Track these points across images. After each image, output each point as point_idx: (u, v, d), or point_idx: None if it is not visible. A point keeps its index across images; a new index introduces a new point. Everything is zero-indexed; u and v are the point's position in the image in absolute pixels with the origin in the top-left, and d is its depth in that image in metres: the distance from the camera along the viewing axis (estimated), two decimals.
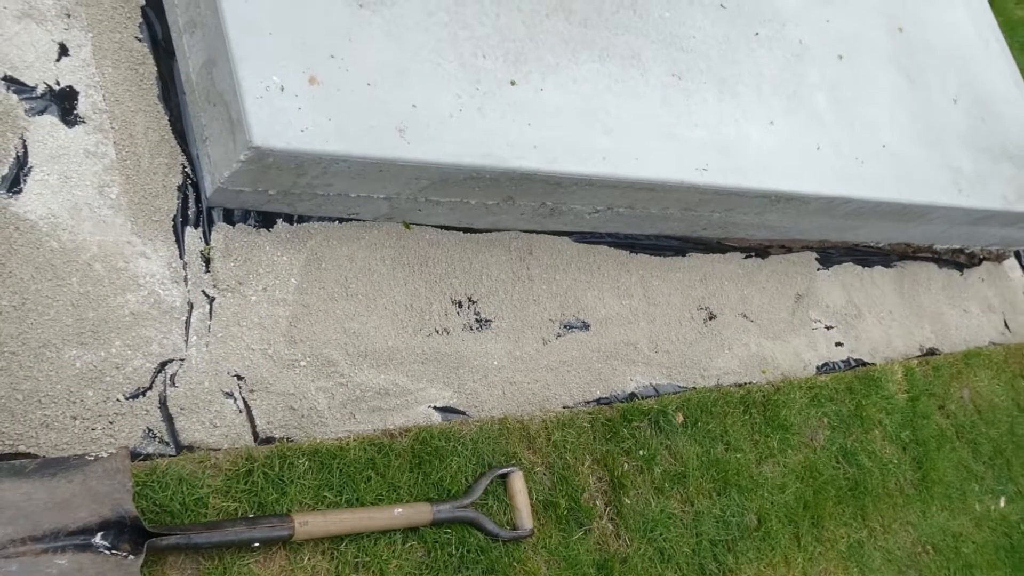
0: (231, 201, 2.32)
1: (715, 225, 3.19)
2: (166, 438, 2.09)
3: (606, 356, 2.90)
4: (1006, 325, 4.41)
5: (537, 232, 2.90)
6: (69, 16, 2.28)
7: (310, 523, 2.10)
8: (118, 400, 2.05)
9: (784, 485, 3.10)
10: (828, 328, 3.59)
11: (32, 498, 1.82)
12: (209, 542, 1.98)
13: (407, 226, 2.64)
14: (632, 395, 2.90)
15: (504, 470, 2.50)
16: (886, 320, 3.84)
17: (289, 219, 2.43)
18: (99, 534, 1.85)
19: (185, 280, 2.23)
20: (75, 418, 1.99)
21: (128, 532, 1.87)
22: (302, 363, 2.32)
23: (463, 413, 2.56)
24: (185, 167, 2.32)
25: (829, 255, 3.74)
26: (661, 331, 3.07)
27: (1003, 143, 3.93)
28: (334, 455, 2.27)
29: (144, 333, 2.13)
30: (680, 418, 2.94)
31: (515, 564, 2.43)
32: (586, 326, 2.90)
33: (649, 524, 2.71)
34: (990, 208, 3.72)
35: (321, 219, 2.48)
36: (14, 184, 2.08)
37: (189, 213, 2.29)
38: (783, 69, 3.28)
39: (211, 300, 2.25)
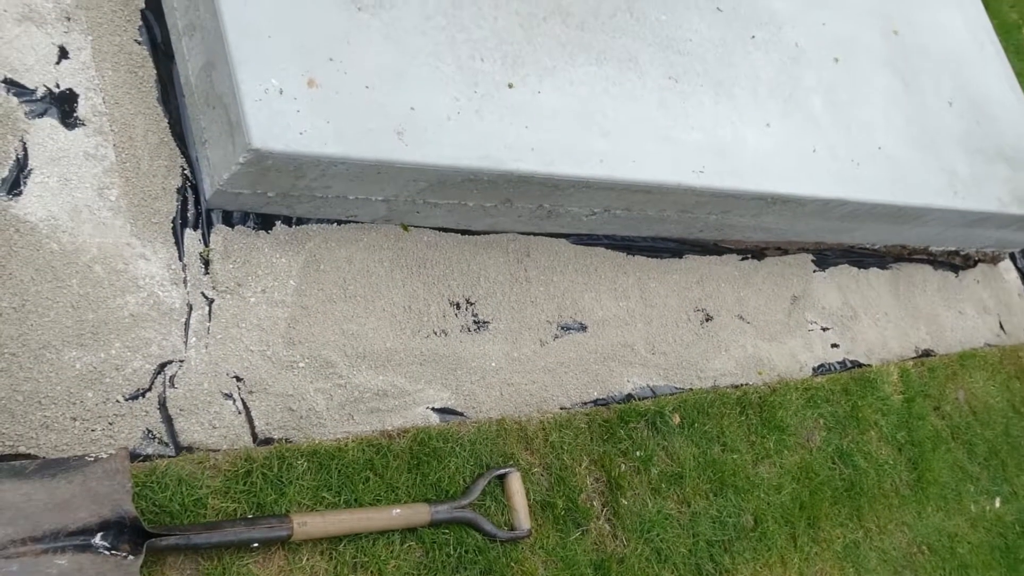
0: (230, 203, 2.33)
1: (711, 227, 3.20)
2: (165, 439, 2.10)
3: (603, 357, 2.91)
4: (1001, 327, 4.43)
5: (535, 234, 2.91)
6: (69, 19, 2.29)
7: (309, 523, 2.11)
8: (118, 401, 2.06)
9: (780, 486, 3.11)
10: (824, 330, 3.61)
11: (32, 499, 1.83)
12: (208, 542, 1.99)
13: (405, 228, 2.65)
14: (629, 396, 2.92)
15: (502, 471, 2.51)
16: (882, 322, 3.85)
17: (288, 221, 2.44)
18: (99, 534, 1.86)
19: (184, 282, 2.24)
20: (75, 419, 2.00)
21: (128, 532, 1.88)
22: (301, 364, 2.33)
23: (461, 414, 2.57)
24: (184, 169, 2.33)
25: (825, 257, 3.75)
26: (658, 332, 3.08)
27: (998, 145, 3.95)
28: (333, 456, 2.28)
29: (143, 335, 2.14)
30: (677, 419, 2.95)
31: (513, 564, 2.44)
32: (583, 328, 2.91)
33: (646, 524, 2.72)
34: (985, 210, 3.73)
35: (320, 221, 2.49)
36: (14, 186, 2.09)
37: (188, 215, 2.30)
38: (779, 72, 3.29)
39: (210, 302, 2.26)
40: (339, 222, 2.53)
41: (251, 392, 2.24)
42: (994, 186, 3.80)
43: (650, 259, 3.18)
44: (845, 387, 3.52)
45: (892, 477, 3.49)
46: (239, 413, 2.22)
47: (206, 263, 2.29)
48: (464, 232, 2.76)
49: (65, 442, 1.97)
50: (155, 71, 2.36)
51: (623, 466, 2.77)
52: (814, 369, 3.49)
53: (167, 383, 2.13)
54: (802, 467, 3.21)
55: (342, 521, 2.19)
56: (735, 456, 3.03)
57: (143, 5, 2.41)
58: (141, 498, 1.99)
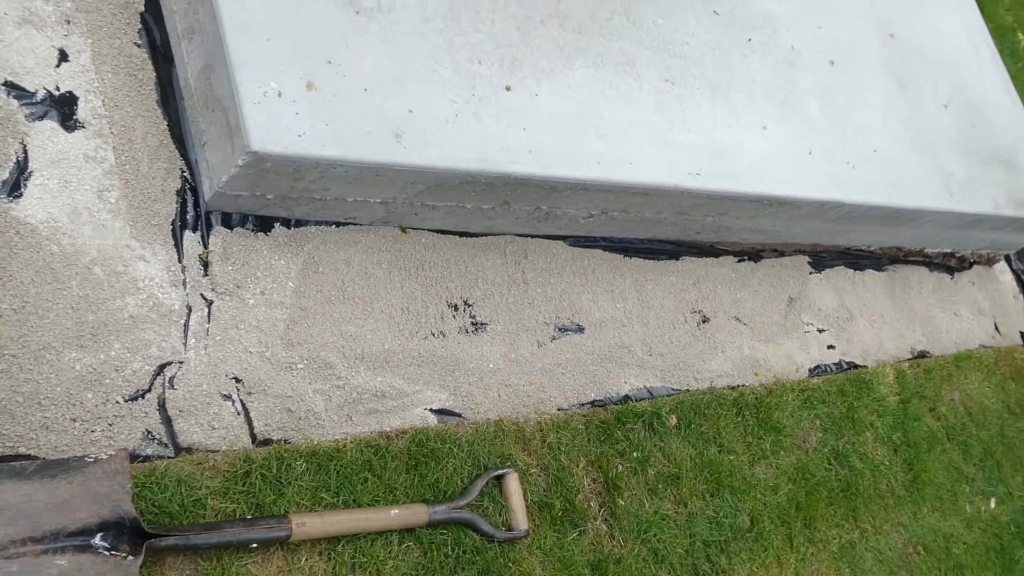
0: (229, 205, 2.34)
1: (708, 229, 3.22)
2: (165, 440, 2.11)
3: (600, 359, 2.92)
4: (996, 328, 4.44)
5: (532, 236, 2.92)
6: (69, 22, 2.30)
7: (307, 524, 2.12)
8: (117, 402, 2.07)
9: (777, 486, 3.12)
10: (820, 331, 3.62)
11: (32, 499, 1.84)
12: (207, 543, 1.99)
13: (403, 230, 2.66)
14: (626, 397, 2.93)
15: (499, 472, 2.52)
16: (877, 323, 3.87)
17: (287, 223, 2.45)
18: (98, 535, 1.87)
19: (184, 284, 2.25)
20: (75, 420, 2.01)
21: (127, 533, 1.89)
22: (299, 366, 2.34)
23: (459, 415, 2.58)
24: (184, 172, 2.34)
25: (821, 259, 3.77)
26: (655, 334, 3.09)
27: (994, 148, 3.96)
28: (331, 457, 2.29)
29: (143, 336, 2.15)
30: (674, 420, 2.96)
31: (510, 565, 2.45)
32: (580, 329, 2.92)
33: (643, 525, 2.73)
34: (981, 212, 3.75)
35: (318, 223, 2.50)
36: (15, 188, 2.10)
37: (188, 217, 2.31)
38: (776, 75, 3.31)
39: (209, 303, 2.27)
40: (337, 224, 2.54)
41: (250, 393, 2.25)
42: (989, 188, 3.82)
43: (647, 261, 3.19)
44: (841, 388, 3.53)
45: (888, 478, 3.50)
46: (238, 414, 2.23)
47: (205, 265, 2.30)
48: (462, 234, 2.77)
49: (65, 443, 1.98)
50: (154, 74, 2.37)
51: (620, 467, 2.78)
52: (810, 370, 3.50)
53: (166, 384, 2.14)
54: (798, 468, 3.22)
55: (340, 522, 2.20)
56: (731, 457, 3.04)
57: (142, 8, 2.42)
58: (141, 499, 2.00)
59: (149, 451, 2.08)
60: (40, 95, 2.20)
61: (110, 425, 2.05)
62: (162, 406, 2.12)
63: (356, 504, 2.28)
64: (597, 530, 2.67)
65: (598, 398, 2.87)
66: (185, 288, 2.25)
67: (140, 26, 2.40)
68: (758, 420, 3.18)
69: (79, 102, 2.24)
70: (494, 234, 2.84)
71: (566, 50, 2.77)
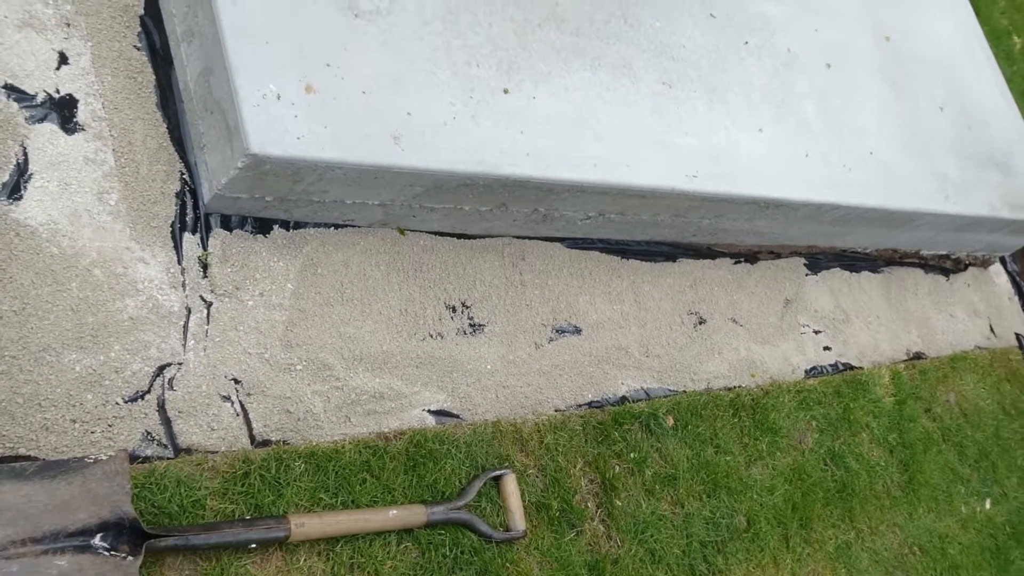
0: (228, 207, 2.35)
1: (705, 231, 3.23)
2: (164, 441, 2.12)
3: (597, 360, 2.93)
4: (991, 330, 4.46)
5: (530, 238, 2.94)
6: (69, 25, 2.31)
7: (306, 525, 2.13)
8: (117, 403, 2.08)
9: (773, 487, 3.13)
10: (816, 332, 3.64)
11: (32, 500, 1.85)
12: (207, 543, 2.00)
13: (402, 232, 2.67)
14: (623, 398, 2.94)
15: (497, 472, 2.53)
16: (873, 325, 3.88)
17: (286, 225, 2.46)
18: (98, 535, 1.87)
19: (183, 285, 2.26)
20: (75, 421, 2.01)
21: (127, 533, 1.89)
22: (298, 367, 2.35)
23: (457, 416, 2.59)
24: (183, 174, 2.35)
25: (817, 261, 3.78)
26: (652, 335, 3.10)
27: (989, 150, 3.98)
28: (330, 458, 2.30)
29: (143, 337, 2.15)
30: (671, 421, 2.97)
31: (508, 565, 2.46)
32: (578, 331, 2.93)
33: (640, 525, 2.74)
34: (976, 214, 3.76)
35: (317, 225, 2.51)
36: (15, 191, 2.10)
37: (187, 219, 2.32)
38: (772, 78, 3.32)
39: (209, 305, 2.28)
40: (336, 226, 2.55)
41: (249, 394, 2.26)
42: (985, 191, 3.83)
43: (644, 263, 3.20)
44: (837, 389, 3.54)
45: (884, 479, 3.52)
46: (237, 415, 2.23)
47: (204, 267, 2.31)
48: (460, 236, 2.78)
49: (65, 444, 1.99)
50: (154, 77, 2.38)
51: (617, 468, 2.79)
52: (806, 371, 3.52)
53: (166, 385, 2.15)
54: (794, 469, 3.23)
55: (339, 522, 2.20)
56: (728, 458, 3.05)
57: (142, 11, 2.43)
58: (140, 499, 2.00)
59: (148, 452, 2.09)
60: (40, 98, 2.21)
61: (110, 426, 2.05)
62: (161, 407, 2.13)
63: (355, 505, 2.29)
64: (594, 530, 2.68)
65: (595, 399, 2.89)
66: (184, 290, 2.26)
67: (140, 29, 2.41)
68: (754, 421, 3.19)
69: (79, 105, 2.25)
70: (492, 236, 2.85)
71: (563, 53, 2.78)
